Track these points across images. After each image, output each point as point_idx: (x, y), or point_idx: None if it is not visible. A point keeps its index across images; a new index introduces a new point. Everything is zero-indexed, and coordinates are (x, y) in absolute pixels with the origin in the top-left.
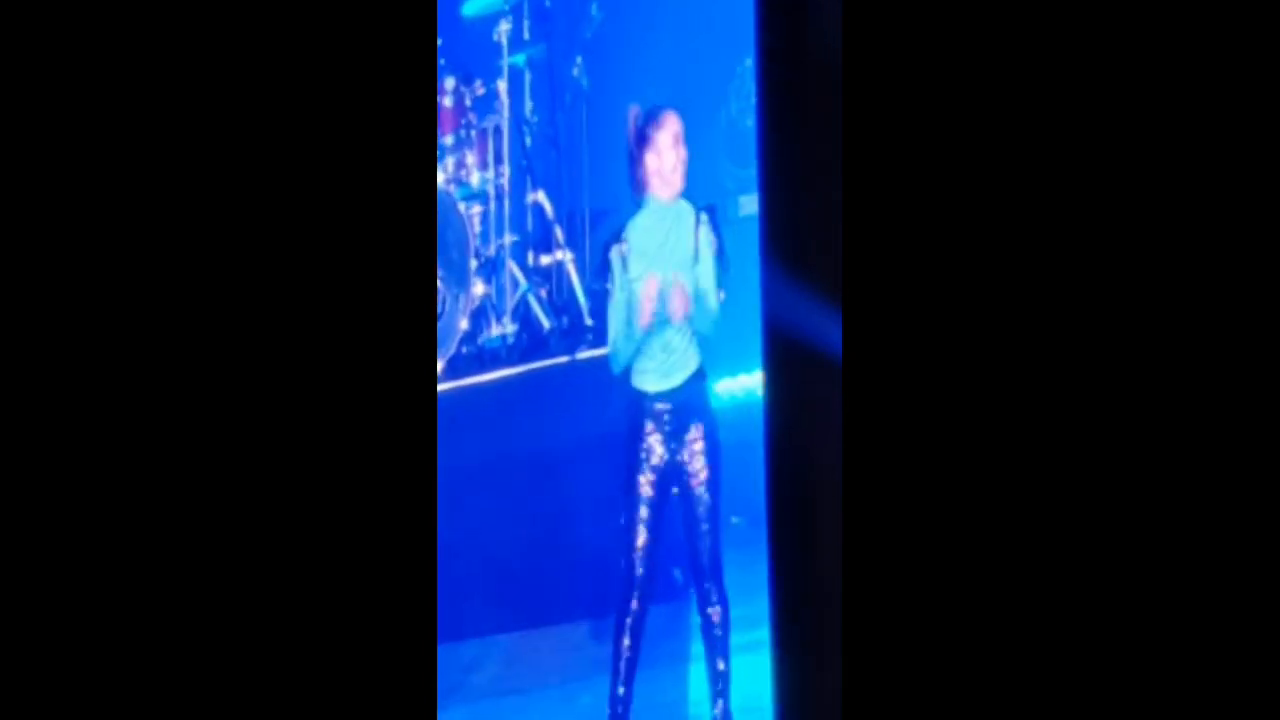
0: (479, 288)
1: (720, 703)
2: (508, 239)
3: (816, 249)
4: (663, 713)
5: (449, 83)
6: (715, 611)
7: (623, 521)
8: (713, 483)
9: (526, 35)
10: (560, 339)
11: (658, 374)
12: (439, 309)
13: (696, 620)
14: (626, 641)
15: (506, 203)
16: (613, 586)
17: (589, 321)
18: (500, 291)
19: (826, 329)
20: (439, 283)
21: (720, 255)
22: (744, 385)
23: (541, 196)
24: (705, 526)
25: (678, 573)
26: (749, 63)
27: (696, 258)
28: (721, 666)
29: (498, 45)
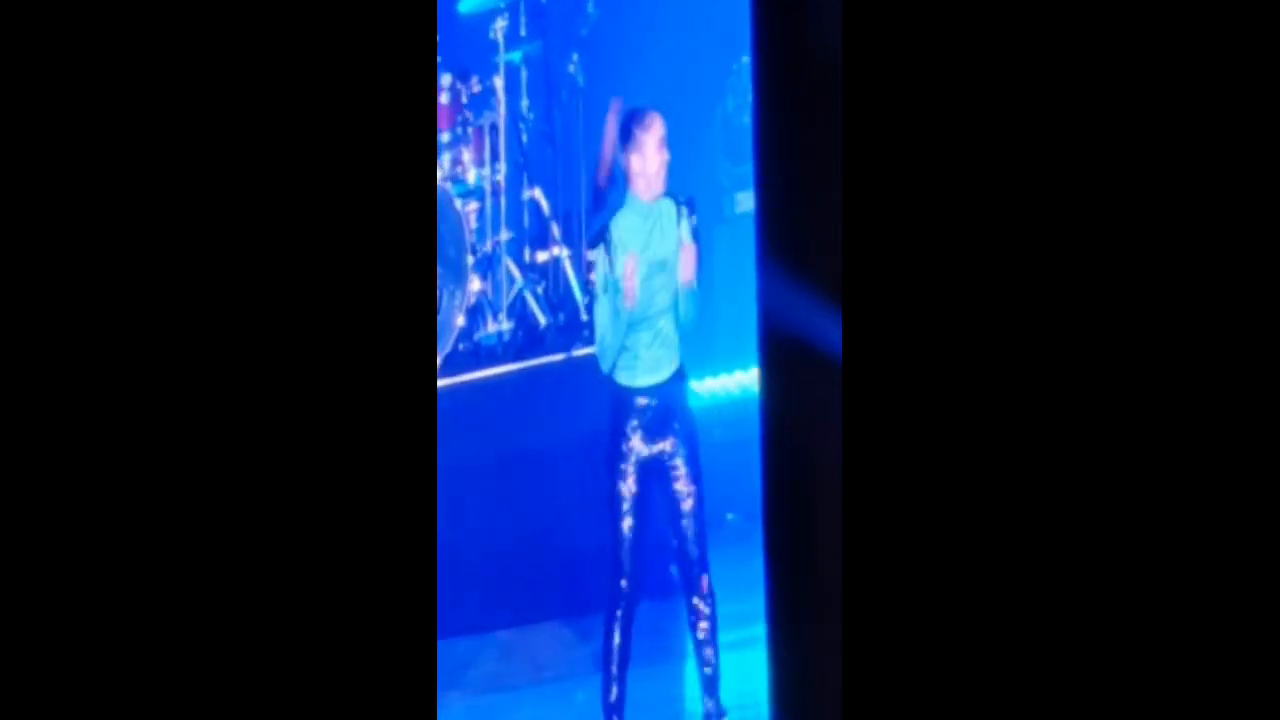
0: (475, 284)
1: (710, 699)
2: (504, 235)
3: (812, 245)
4: (659, 709)
5: (445, 79)
6: (702, 606)
7: (608, 517)
8: (695, 476)
9: (523, 32)
10: (556, 335)
11: (644, 369)
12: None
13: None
14: (617, 638)
15: (503, 199)
16: (598, 582)
17: (585, 318)
18: (496, 288)
19: (822, 325)
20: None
21: (697, 245)
22: (740, 382)
23: (538, 193)
24: (689, 521)
25: (674, 569)
26: (745, 59)
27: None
28: (709, 662)
29: (494, 42)
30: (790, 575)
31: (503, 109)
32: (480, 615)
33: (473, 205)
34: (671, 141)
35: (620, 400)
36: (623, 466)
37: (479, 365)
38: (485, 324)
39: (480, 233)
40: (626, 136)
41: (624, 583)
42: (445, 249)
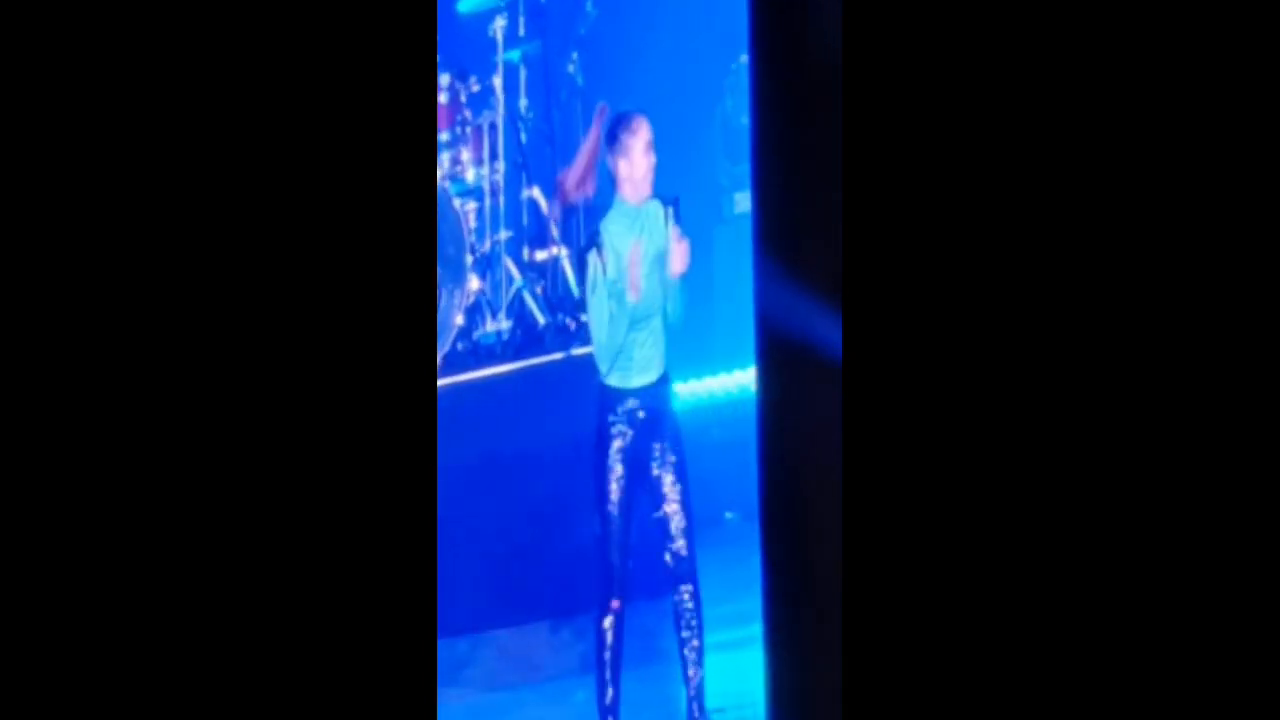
0: (474, 284)
1: (695, 705)
2: (503, 235)
3: (809, 244)
4: (657, 709)
5: (444, 79)
6: (688, 614)
7: (597, 518)
8: (681, 479)
9: (522, 31)
10: (555, 335)
11: (637, 370)
12: None
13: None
14: (609, 638)
15: (501, 199)
16: (593, 583)
17: (584, 318)
18: (495, 287)
19: (819, 324)
20: None
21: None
22: (739, 381)
23: (536, 192)
24: (675, 525)
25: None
26: (744, 59)
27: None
28: (694, 668)
29: (493, 41)
30: (787, 575)
31: (501, 108)
32: (480, 614)
33: (472, 204)
34: (670, 141)
35: (610, 402)
36: (612, 468)
37: (478, 364)
38: (484, 323)
39: (479, 232)
40: (613, 140)
41: (614, 585)
42: (444, 248)
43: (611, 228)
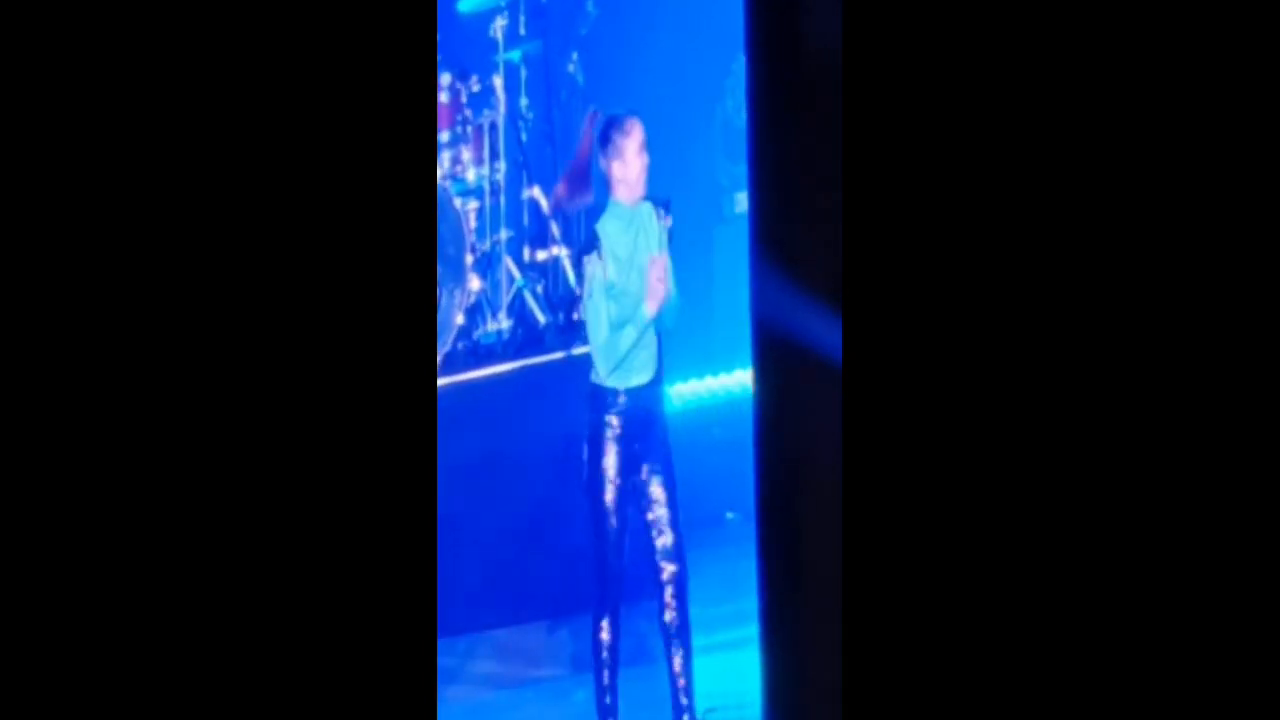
0: (474, 283)
1: (683, 707)
2: (503, 234)
3: (806, 244)
4: (655, 708)
5: (445, 79)
6: (672, 619)
7: (590, 519)
8: (669, 483)
9: (522, 31)
10: (556, 335)
11: (636, 371)
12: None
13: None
14: (605, 636)
15: (502, 198)
16: (587, 582)
17: (576, 315)
18: (496, 287)
19: (816, 324)
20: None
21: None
22: (740, 381)
23: (537, 192)
24: (664, 526)
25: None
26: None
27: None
28: (680, 673)
29: (493, 41)
30: (783, 575)
31: (502, 108)
32: (480, 613)
33: (472, 204)
34: (671, 141)
35: (603, 402)
36: (605, 469)
37: (478, 364)
38: (485, 322)
39: (480, 231)
40: (606, 143)
41: (609, 585)
42: (445, 248)
43: (608, 229)
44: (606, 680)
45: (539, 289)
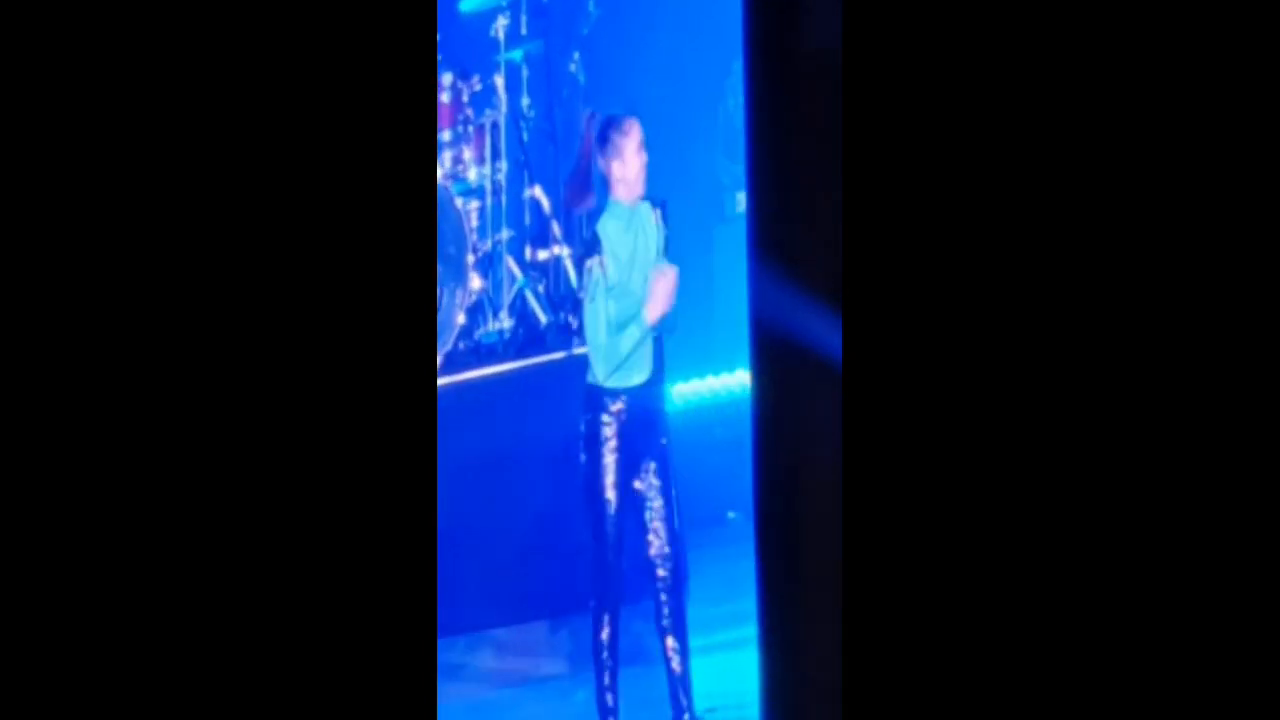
0: (476, 283)
1: (680, 701)
2: (505, 234)
3: (804, 243)
4: (656, 707)
5: (446, 78)
6: (670, 606)
7: (589, 519)
8: (667, 482)
9: (524, 31)
10: (557, 334)
11: (635, 370)
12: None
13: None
14: (605, 635)
15: (503, 198)
16: (588, 582)
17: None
18: (497, 286)
19: (814, 323)
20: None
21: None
22: (741, 380)
23: (538, 192)
24: (660, 525)
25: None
26: None
27: (660, 253)
28: (676, 672)
29: (495, 41)
30: (781, 575)
31: (504, 107)
32: (481, 612)
33: (474, 204)
34: (672, 140)
35: (599, 403)
36: (603, 470)
37: (480, 363)
38: (486, 322)
39: (481, 231)
40: (604, 142)
41: (609, 585)
42: (446, 247)
43: (609, 230)
44: (607, 680)
45: (540, 288)
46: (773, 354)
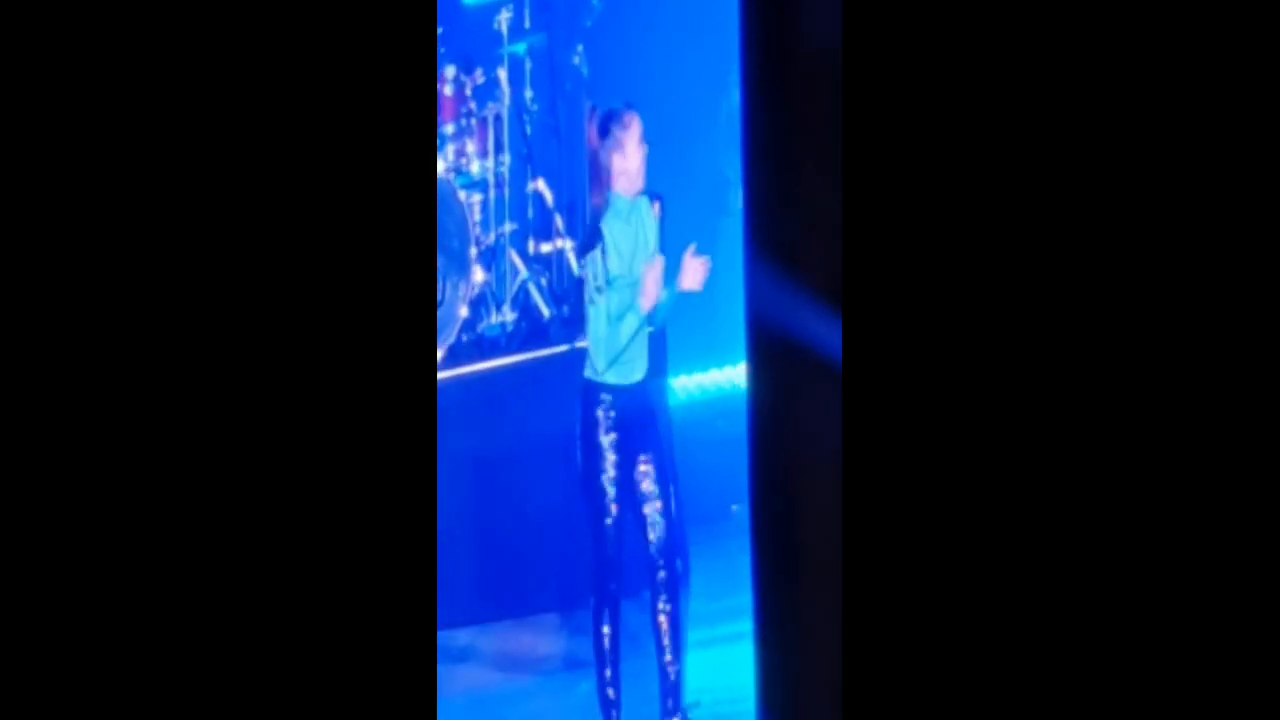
0: (479, 275)
1: (670, 697)
2: (508, 227)
3: (801, 240)
4: (657, 702)
5: (449, 71)
6: (667, 601)
7: (588, 514)
8: (665, 477)
9: (527, 24)
10: (560, 327)
11: (635, 366)
12: (439, 297)
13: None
14: (607, 629)
15: (507, 191)
16: (587, 575)
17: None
18: (500, 279)
19: (811, 319)
20: (438, 271)
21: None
22: (743, 375)
23: (542, 185)
24: (658, 523)
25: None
26: None
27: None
28: (670, 670)
29: (498, 34)
30: (778, 571)
31: (507, 100)
32: (482, 606)
33: (477, 196)
34: (674, 134)
35: (596, 398)
36: (602, 465)
37: (482, 356)
38: (489, 315)
39: (484, 224)
40: (605, 135)
41: (609, 579)
42: (449, 240)
43: (611, 224)
44: (609, 674)
45: (544, 281)
46: (770, 353)
